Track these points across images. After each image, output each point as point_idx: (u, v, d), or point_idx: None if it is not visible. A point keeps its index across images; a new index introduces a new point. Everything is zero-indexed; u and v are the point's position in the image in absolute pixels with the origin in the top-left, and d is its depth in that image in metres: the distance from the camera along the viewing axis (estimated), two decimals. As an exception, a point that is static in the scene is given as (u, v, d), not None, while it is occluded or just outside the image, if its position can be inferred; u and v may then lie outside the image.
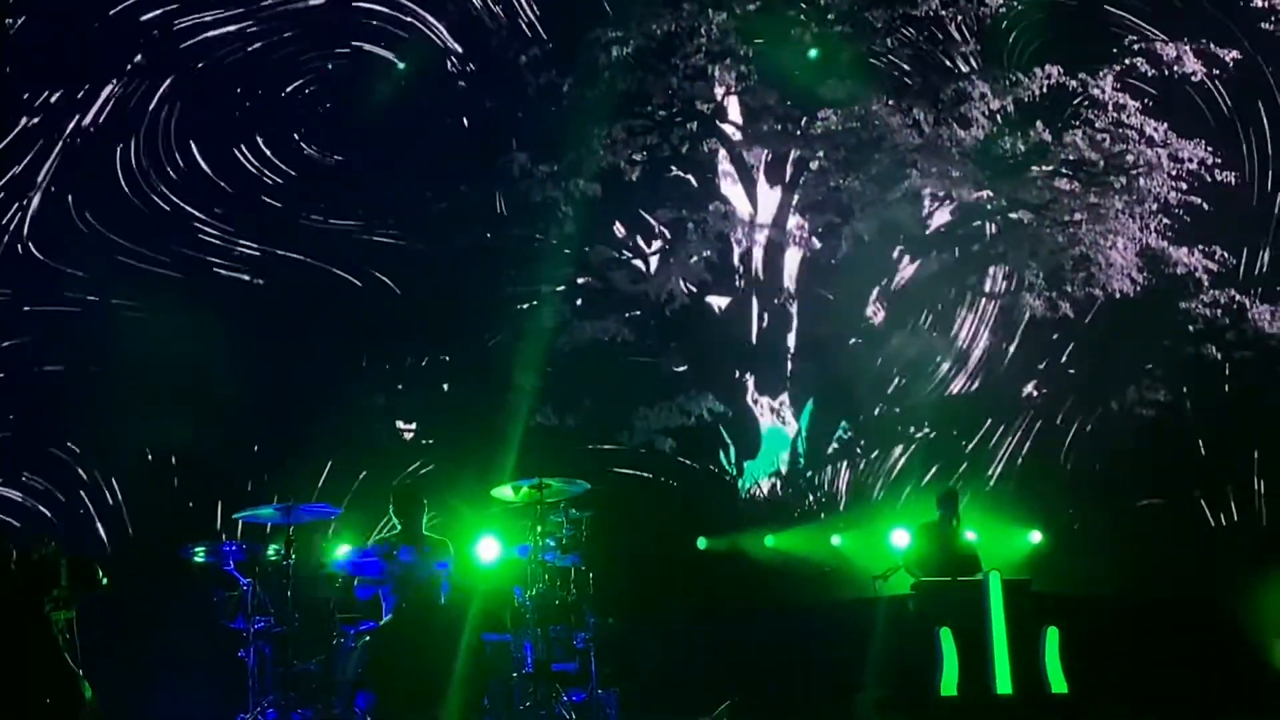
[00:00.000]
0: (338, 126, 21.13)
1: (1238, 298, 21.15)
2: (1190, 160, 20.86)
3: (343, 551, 11.38)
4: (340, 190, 21.16)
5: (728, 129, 21.17)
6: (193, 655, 12.84)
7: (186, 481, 19.14)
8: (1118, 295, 20.82)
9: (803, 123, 20.68)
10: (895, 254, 21.65)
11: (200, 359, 18.94)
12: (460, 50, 21.69)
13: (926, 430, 22.02)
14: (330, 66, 21.16)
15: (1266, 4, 21.24)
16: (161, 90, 20.42)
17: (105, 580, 9.35)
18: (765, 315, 21.45)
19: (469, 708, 10.34)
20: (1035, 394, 22.38)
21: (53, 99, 19.94)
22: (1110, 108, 20.88)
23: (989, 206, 20.97)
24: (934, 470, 21.44)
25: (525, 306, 20.70)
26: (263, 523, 11.27)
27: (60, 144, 19.98)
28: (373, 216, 21.09)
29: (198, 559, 10.80)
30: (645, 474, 20.52)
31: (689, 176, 21.32)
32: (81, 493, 18.99)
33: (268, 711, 10.29)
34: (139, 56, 20.38)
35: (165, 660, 13.61)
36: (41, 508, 18.60)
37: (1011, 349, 22.41)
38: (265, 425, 19.63)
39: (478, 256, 20.76)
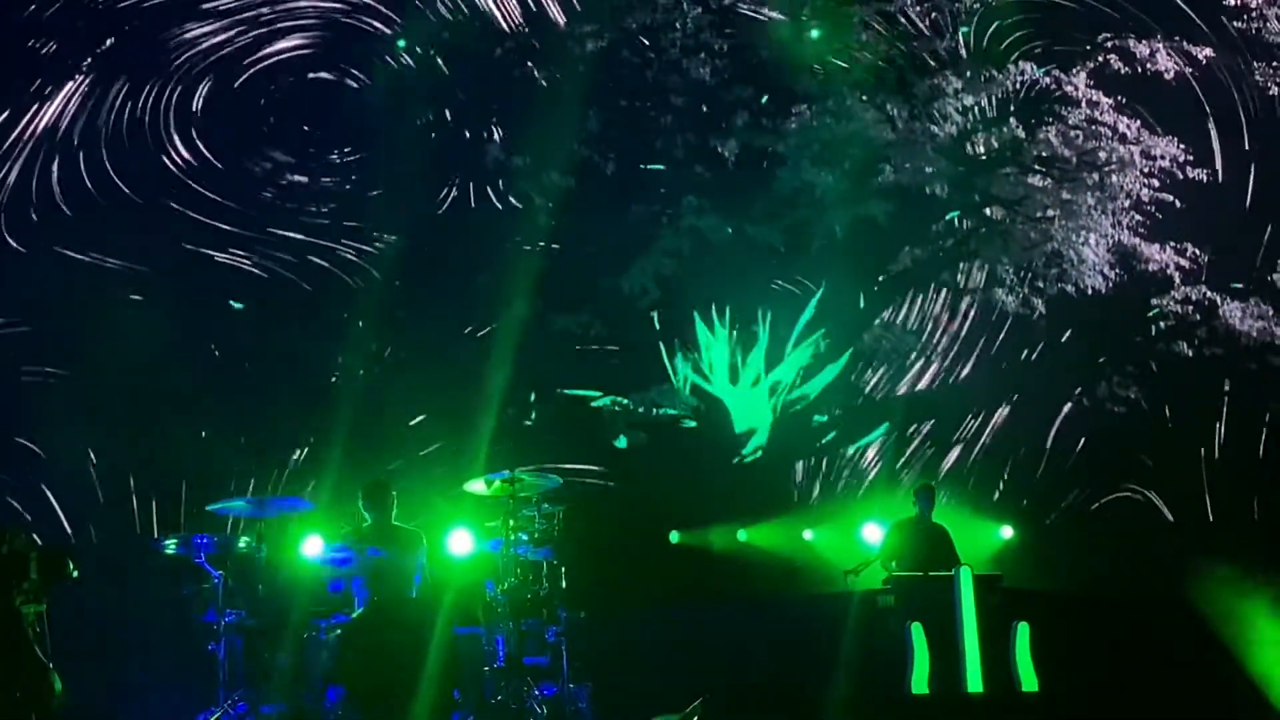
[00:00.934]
0: (308, 119, 21.10)
1: (1209, 294, 21.24)
2: (1163, 157, 20.94)
3: (314, 544, 11.32)
4: (312, 181, 21.12)
5: (701, 122, 21.11)
6: (164, 648, 12.77)
7: (158, 473, 19.06)
8: (1090, 292, 20.89)
9: (777, 117, 20.66)
10: (868, 249, 21.62)
11: (168, 352, 18.94)
12: (435, 41, 21.64)
13: (900, 424, 22.07)
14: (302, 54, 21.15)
15: (1239, 2, 21.34)
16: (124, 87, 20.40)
17: (76, 573, 9.30)
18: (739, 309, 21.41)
19: (440, 702, 10.30)
20: (1008, 389, 22.46)
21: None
22: (1083, 104, 20.95)
23: (963, 202, 21.00)
24: (906, 465, 21.50)
25: (498, 298, 20.63)
26: (235, 515, 11.22)
27: (25, 142, 19.90)
28: (343, 208, 21.05)
29: (169, 551, 10.76)
30: (618, 467, 20.50)
31: (663, 169, 21.26)
32: (50, 485, 18.87)
33: (238, 705, 10.25)
34: (107, 44, 20.32)
35: (136, 653, 13.53)
36: (11, 500, 18.47)
37: (983, 344, 22.47)
38: (237, 418, 19.61)
39: (450, 247, 20.71)
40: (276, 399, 19.74)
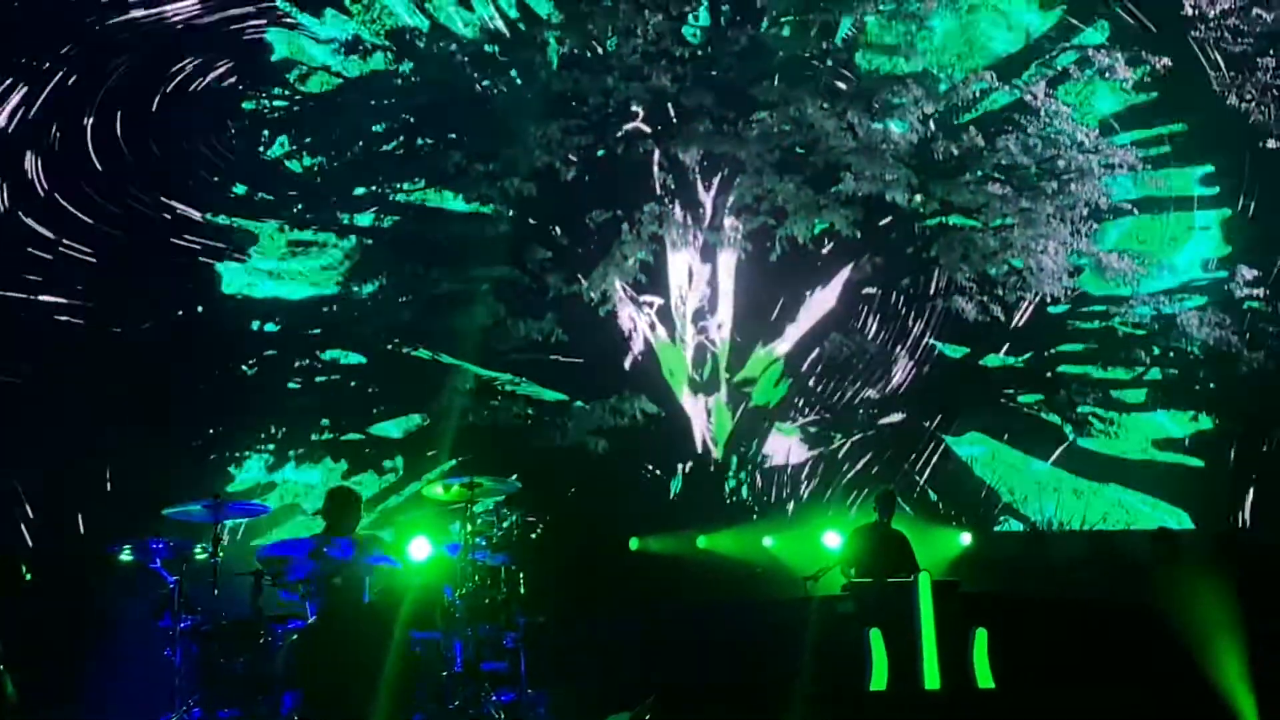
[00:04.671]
0: (267, 122, 21.09)
1: (1166, 303, 21.41)
2: (1121, 166, 21.10)
3: (270, 550, 11.26)
4: (273, 186, 21.10)
5: (663, 129, 21.13)
6: (119, 653, 12.69)
7: (114, 478, 18.99)
8: (1049, 299, 20.99)
9: (738, 124, 20.70)
10: (828, 255, 21.67)
11: (129, 358, 18.88)
12: (395, 48, 21.65)
13: (860, 431, 22.11)
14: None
15: (1195, 12, 21.54)
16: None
17: (29, 576, 9.25)
18: (699, 316, 21.43)
19: (397, 707, 10.25)
20: (968, 396, 22.53)
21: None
22: (1042, 113, 21.08)
23: (922, 209, 21.07)
24: (866, 470, 21.55)
25: (459, 305, 20.61)
26: (191, 520, 11.15)
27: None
28: (304, 210, 21.02)
29: (124, 557, 10.69)
30: (577, 474, 20.49)
31: (624, 177, 21.27)
32: (4, 490, 18.76)
33: (193, 710, 10.16)
34: (65, 49, 20.27)
35: (91, 657, 13.44)
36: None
37: (942, 351, 22.54)
38: (195, 422, 19.58)
39: (410, 253, 20.70)
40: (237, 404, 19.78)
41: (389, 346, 21.06)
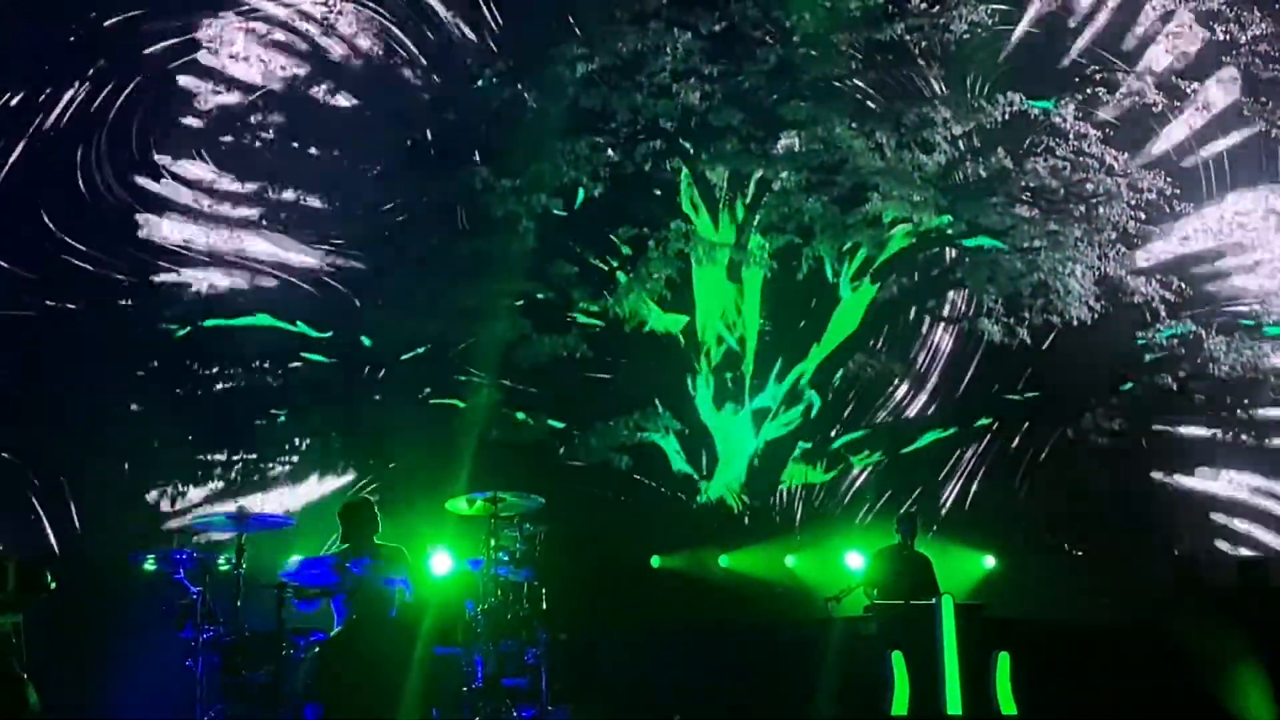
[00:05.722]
0: (297, 135, 21.11)
1: (1194, 328, 21.33)
2: (1149, 190, 21.04)
3: (294, 562, 11.26)
4: (299, 199, 21.12)
5: (690, 147, 21.11)
6: (141, 663, 12.70)
7: (140, 488, 19.03)
8: (1075, 323, 20.89)
9: (766, 143, 20.69)
10: (853, 275, 21.64)
11: (150, 363, 18.92)
12: (424, 63, 21.68)
13: (883, 453, 22.07)
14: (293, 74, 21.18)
15: (1228, 38, 21.50)
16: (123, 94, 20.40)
17: (54, 584, 9.25)
18: (725, 334, 21.42)
19: (418, 721, 10.26)
20: (991, 419, 22.47)
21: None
22: (1071, 136, 21.04)
23: (949, 231, 21.02)
24: (889, 493, 21.50)
25: (484, 320, 20.59)
26: (215, 530, 11.15)
27: (20, 147, 19.87)
28: (331, 225, 21.03)
29: (148, 566, 10.69)
30: (600, 490, 20.47)
31: (651, 194, 21.26)
32: (30, 496, 18.81)
33: (214, 721, 10.19)
34: (101, 60, 20.29)
35: (113, 667, 13.47)
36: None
37: (969, 374, 22.51)
38: (219, 431, 19.61)
39: (437, 268, 20.69)
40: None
41: (410, 358, 21.04)
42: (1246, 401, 21.64)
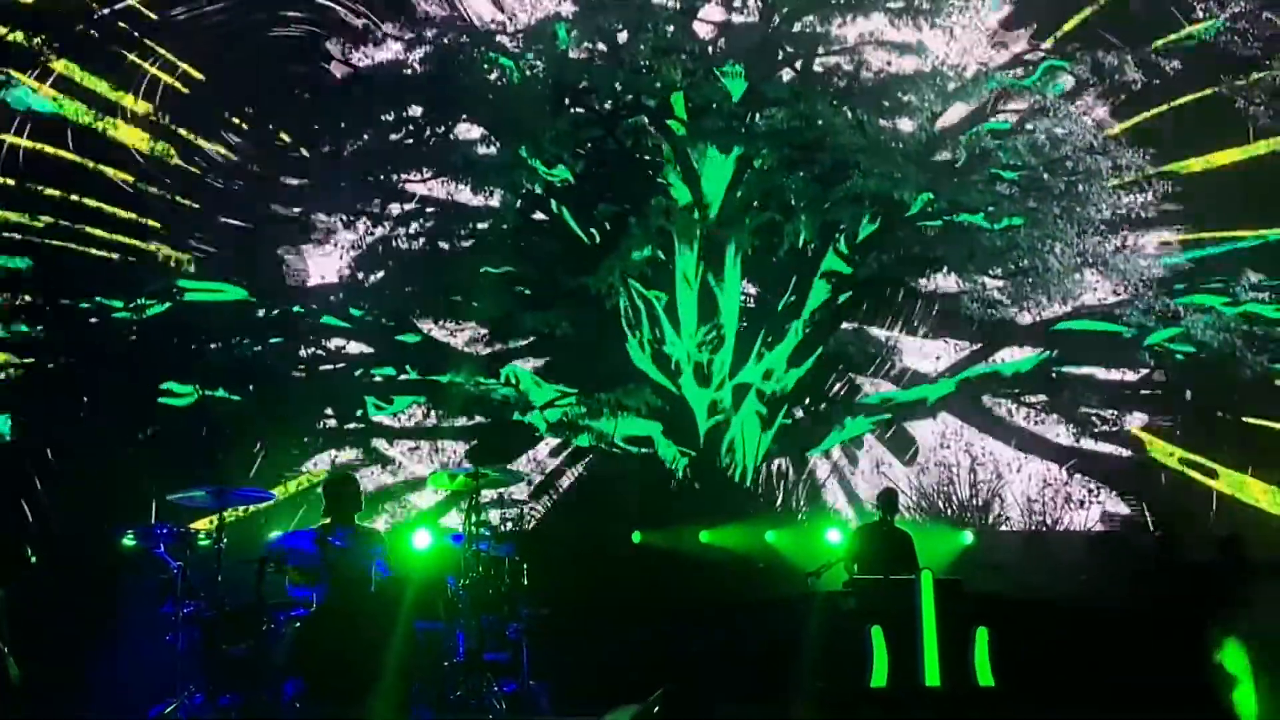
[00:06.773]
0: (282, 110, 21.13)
1: (1174, 305, 21.38)
2: (1130, 168, 21.05)
3: (274, 536, 11.26)
4: (287, 174, 21.14)
5: (672, 124, 21.08)
6: (122, 637, 12.69)
7: (119, 463, 19.01)
8: (1057, 301, 20.93)
9: (748, 119, 20.66)
10: (834, 252, 21.63)
11: (133, 344, 18.91)
12: (410, 38, 21.66)
13: (865, 429, 22.14)
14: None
15: (1206, 15, 21.52)
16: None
17: (34, 559, 9.23)
18: (705, 310, 21.41)
19: (399, 696, 10.25)
20: (973, 397, 22.53)
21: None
22: (1052, 113, 21.02)
23: (930, 209, 21.00)
24: (870, 469, 21.56)
25: (467, 296, 20.62)
26: (195, 506, 11.14)
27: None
28: (317, 200, 21.04)
29: (127, 541, 10.69)
30: (581, 466, 20.50)
31: (632, 170, 21.24)
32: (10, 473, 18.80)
33: (195, 696, 10.17)
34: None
35: (94, 642, 13.45)
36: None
37: (949, 351, 22.55)
38: (201, 409, 19.62)
39: (418, 244, 20.68)
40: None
41: (395, 336, 21.05)
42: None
